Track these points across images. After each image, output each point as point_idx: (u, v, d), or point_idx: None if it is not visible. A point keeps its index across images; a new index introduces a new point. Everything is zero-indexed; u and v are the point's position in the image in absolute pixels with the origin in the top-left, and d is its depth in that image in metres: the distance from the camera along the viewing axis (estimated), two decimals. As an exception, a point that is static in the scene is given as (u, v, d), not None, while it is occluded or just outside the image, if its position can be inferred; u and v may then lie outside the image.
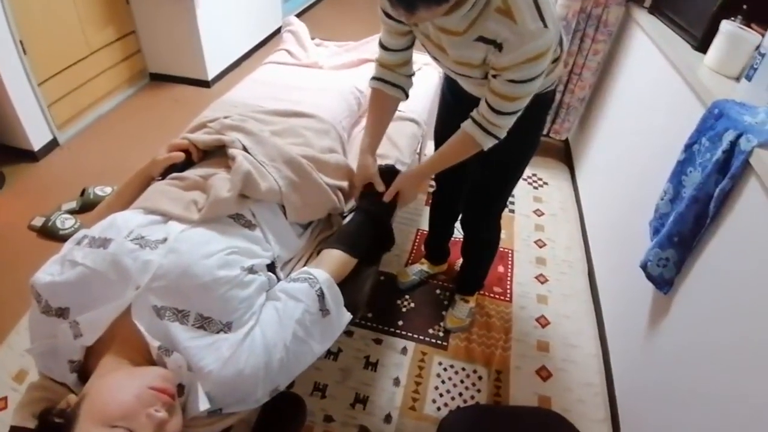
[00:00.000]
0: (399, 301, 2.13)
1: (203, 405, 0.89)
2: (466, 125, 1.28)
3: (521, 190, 2.88)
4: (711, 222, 1.32)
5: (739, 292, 1.19)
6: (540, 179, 3.00)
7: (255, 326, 0.99)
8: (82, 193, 2.51)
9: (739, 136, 1.22)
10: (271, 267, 1.16)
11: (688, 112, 1.56)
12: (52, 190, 2.61)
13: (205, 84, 3.76)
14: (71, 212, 2.42)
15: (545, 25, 1.02)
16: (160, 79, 3.80)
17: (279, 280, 1.15)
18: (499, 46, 1.07)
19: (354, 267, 1.25)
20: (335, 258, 1.22)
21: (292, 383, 1.74)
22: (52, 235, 2.28)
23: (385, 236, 1.42)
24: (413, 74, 1.45)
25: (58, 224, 2.31)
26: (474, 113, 1.27)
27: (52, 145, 2.93)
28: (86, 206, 2.44)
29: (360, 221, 1.35)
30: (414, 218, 2.59)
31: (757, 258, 1.14)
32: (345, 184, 1.42)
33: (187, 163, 1.27)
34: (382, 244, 1.41)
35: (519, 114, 1.23)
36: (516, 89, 1.13)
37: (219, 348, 0.93)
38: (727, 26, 1.57)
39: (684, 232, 1.38)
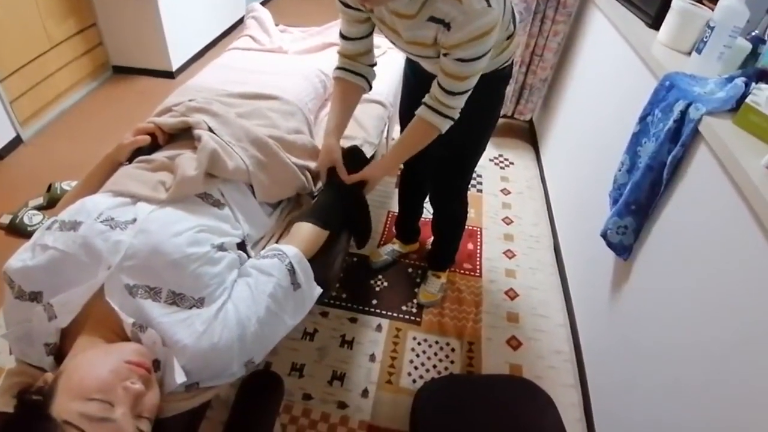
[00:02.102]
0: (372, 281, 2.18)
1: (180, 378, 0.91)
2: (421, 112, 1.32)
3: (488, 171, 2.94)
4: (665, 188, 1.38)
5: (692, 253, 1.25)
6: (506, 159, 3.06)
7: (227, 301, 1.01)
8: (49, 188, 2.47)
9: (688, 106, 1.28)
10: (241, 246, 1.17)
11: (642, 86, 1.61)
12: (18, 187, 2.56)
13: (169, 75, 3.70)
14: (39, 208, 2.37)
15: (489, 5, 1.07)
16: (123, 71, 3.73)
17: (250, 258, 1.17)
18: (447, 26, 1.11)
19: (326, 242, 1.28)
20: (306, 231, 1.24)
21: (270, 363, 1.79)
22: (20, 231, 2.24)
23: (362, 222, 1.46)
24: (375, 64, 1.48)
25: (26, 221, 2.28)
26: (426, 99, 1.31)
27: (16, 142, 2.86)
28: (53, 202, 2.40)
29: (330, 194, 1.37)
30: (384, 200, 2.63)
31: (708, 219, 1.20)
32: (312, 164, 1.44)
33: (154, 147, 1.27)
34: (360, 224, 1.45)
35: (468, 94, 1.27)
36: (465, 68, 1.18)
37: (193, 323, 0.94)
38: (678, 3, 1.62)
39: (640, 200, 1.44)
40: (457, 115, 1.30)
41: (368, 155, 1.65)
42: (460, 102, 1.27)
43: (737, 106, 1.19)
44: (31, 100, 2.95)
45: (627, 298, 1.57)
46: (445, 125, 1.31)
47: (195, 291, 0.97)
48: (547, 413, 1.51)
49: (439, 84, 1.25)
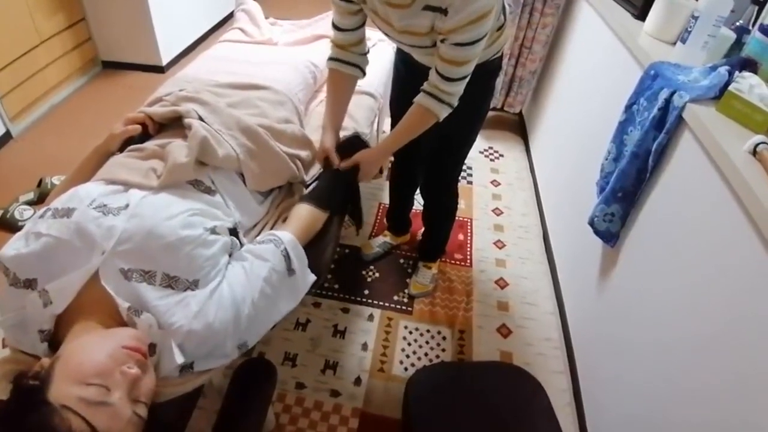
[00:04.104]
0: (364, 272, 2.19)
1: (179, 358, 0.93)
2: (420, 98, 1.32)
3: (478, 162, 2.96)
4: (650, 175, 1.40)
5: (678, 238, 1.27)
6: (496, 152, 3.09)
7: (222, 282, 1.02)
8: (39, 183, 2.46)
9: (672, 94, 1.30)
10: (234, 233, 1.18)
11: (628, 76, 1.63)
12: (8, 182, 2.55)
13: (159, 70, 3.68)
14: (29, 203, 2.36)
15: None
16: (112, 66, 3.71)
17: (242, 245, 1.18)
18: (444, 11, 1.13)
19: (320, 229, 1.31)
20: (304, 214, 1.27)
21: (263, 353, 1.80)
22: (11, 226, 2.23)
23: (353, 206, 1.49)
24: (368, 52, 1.49)
25: (17, 215, 2.27)
26: (425, 86, 1.31)
27: (6, 137, 2.85)
28: (44, 196, 2.39)
29: (328, 178, 1.40)
30: (376, 192, 2.64)
31: (692, 204, 1.23)
32: (303, 153, 1.45)
33: (144, 137, 1.27)
34: (352, 204, 1.48)
35: (467, 80, 1.28)
36: (462, 53, 1.19)
37: (188, 304, 0.96)
38: (664, -6, 1.65)
39: (626, 187, 1.47)
40: (455, 102, 1.31)
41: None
42: (459, 88, 1.28)
43: (720, 94, 1.20)
44: (20, 96, 2.94)
45: (615, 284, 1.60)
46: (443, 112, 1.31)
47: (189, 273, 0.98)
48: (537, 399, 1.53)
49: (437, 71, 1.26)
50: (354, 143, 1.50)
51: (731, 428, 0.99)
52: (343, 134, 1.54)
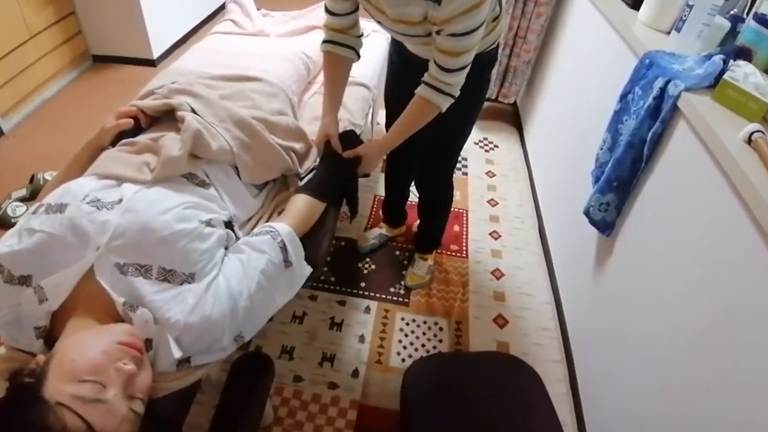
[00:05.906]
0: (360, 264, 2.19)
1: (177, 353, 0.92)
2: (421, 90, 1.32)
3: (473, 154, 2.96)
4: (646, 164, 1.41)
5: (673, 226, 1.28)
6: (491, 142, 3.08)
7: (218, 276, 1.01)
8: (32, 179, 2.44)
9: (667, 83, 1.30)
10: (229, 225, 1.17)
11: (623, 65, 1.63)
12: (0, 179, 2.53)
13: (150, 63, 3.65)
14: (22, 200, 2.35)
15: None
16: (103, 60, 3.67)
17: (238, 239, 1.17)
18: (437, 1, 1.11)
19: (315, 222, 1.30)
20: (301, 204, 1.27)
21: (260, 347, 1.80)
22: (4, 223, 2.22)
23: (350, 195, 1.49)
24: (362, 35, 1.48)
25: (10, 212, 2.25)
26: (426, 77, 1.30)
27: (-3, 134, 2.83)
28: (36, 193, 2.35)
29: (326, 167, 1.40)
30: (371, 185, 2.64)
31: (688, 193, 1.23)
32: (297, 145, 1.44)
33: (137, 131, 1.26)
34: (349, 193, 1.49)
35: (467, 70, 1.27)
36: (459, 43, 1.18)
37: (185, 298, 0.95)
38: (658, -18, 1.64)
39: (622, 177, 1.47)
40: (457, 93, 1.30)
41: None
42: (459, 79, 1.28)
43: (715, 83, 1.20)
44: (10, 92, 2.90)
45: (610, 273, 1.60)
46: (445, 103, 1.31)
47: (185, 267, 0.98)
48: (534, 388, 1.53)
49: (435, 62, 1.25)
50: (350, 138, 1.49)
51: (727, 418, 1.00)
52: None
